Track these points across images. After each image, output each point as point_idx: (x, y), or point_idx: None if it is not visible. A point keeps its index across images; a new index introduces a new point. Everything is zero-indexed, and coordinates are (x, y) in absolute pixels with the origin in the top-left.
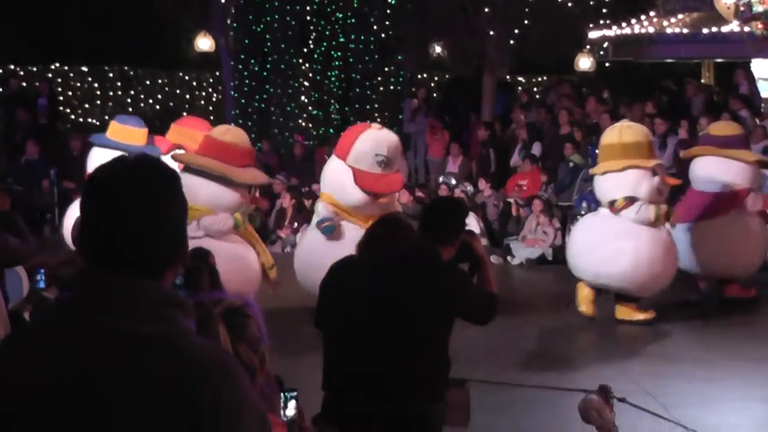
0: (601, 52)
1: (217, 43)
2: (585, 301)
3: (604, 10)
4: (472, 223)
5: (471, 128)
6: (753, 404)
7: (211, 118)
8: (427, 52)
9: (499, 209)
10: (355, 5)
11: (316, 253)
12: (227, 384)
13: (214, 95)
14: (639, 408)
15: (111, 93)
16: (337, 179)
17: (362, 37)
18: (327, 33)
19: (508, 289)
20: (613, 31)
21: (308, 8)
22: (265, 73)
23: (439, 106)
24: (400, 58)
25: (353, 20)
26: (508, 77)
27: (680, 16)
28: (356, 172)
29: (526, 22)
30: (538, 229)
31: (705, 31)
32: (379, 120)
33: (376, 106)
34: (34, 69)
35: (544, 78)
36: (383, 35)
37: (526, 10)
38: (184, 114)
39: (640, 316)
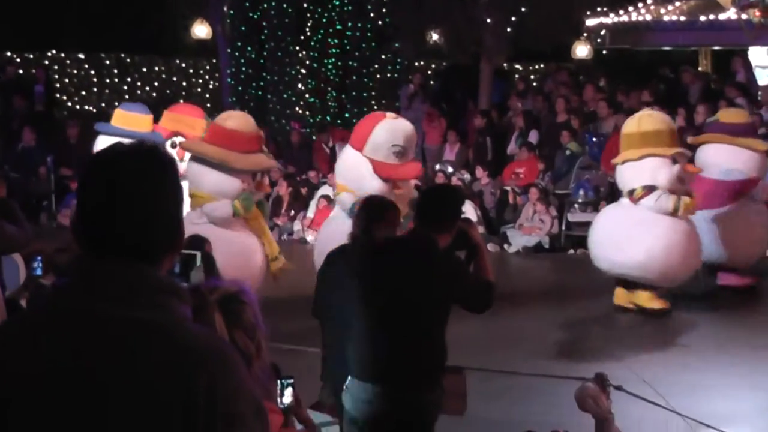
0: (598, 40)
1: (214, 30)
2: (623, 298)
3: None
4: (469, 210)
5: (468, 116)
6: (750, 392)
7: (208, 105)
8: (424, 40)
9: (496, 197)
10: None
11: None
12: (223, 371)
13: (211, 82)
14: (635, 396)
15: (108, 80)
16: (354, 170)
17: (359, 25)
18: (324, 20)
19: (504, 277)
20: (611, 19)
21: None
22: (261, 61)
23: (436, 93)
24: (397, 45)
25: (350, 7)
26: (505, 65)
27: (677, 4)
28: (373, 163)
29: (523, 9)
30: (535, 217)
31: (702, 18)
32: (375, 107)
33: (373, 93)
34: (31, 56)
35: (541, 66)
36: (380, 22)
37: None
38: (181, 101)
39: (656, 305)
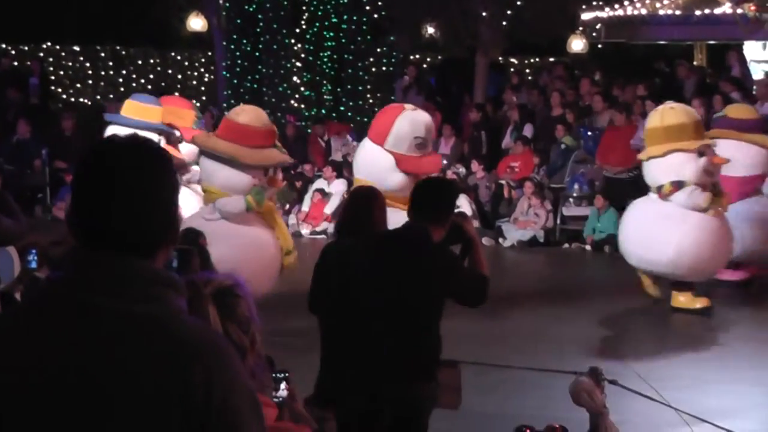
0: (594, 34)
1: (209, 22)
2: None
3: None
4: (464, 204)
5: (463, 110)
6: (745, 386)
7: (203, 98)
8: (420, 33)
9: (491, 191)
10: None
11: None
12: (219, 364)
13: (206, 75)
14: (630, 390)
15: (103, 72)
16: (375, 164)
17: (354, 18)
18: (319, 13)
19: (499, 271)
20: (606, 13)
21: None
22: (257, 54)
23: (431, 87)
24: (392, 38)
25: (345, 0)
26: (500, 58)
27: None
28: (397, 157)
29: (518, 2)
30: (529, 211)
31: (698, 12)
32: (370, 100)
33: (368, 87)
34: (26, 48)
35: (537, 59)
36: (376, 16)
37: None
38: (176, 94)
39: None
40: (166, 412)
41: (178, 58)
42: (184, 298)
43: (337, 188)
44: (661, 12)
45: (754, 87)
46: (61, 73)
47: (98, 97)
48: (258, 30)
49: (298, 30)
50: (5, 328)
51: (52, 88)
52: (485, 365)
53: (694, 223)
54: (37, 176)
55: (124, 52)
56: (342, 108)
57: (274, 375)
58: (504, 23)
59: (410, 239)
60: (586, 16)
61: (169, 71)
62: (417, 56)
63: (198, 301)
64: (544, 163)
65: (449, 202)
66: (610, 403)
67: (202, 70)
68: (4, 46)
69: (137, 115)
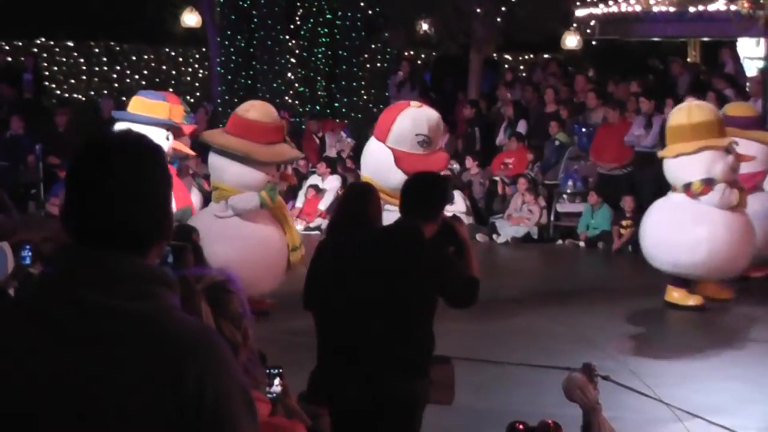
0: (588, 30)
1: (203, 18)
2: (684, 298)
3: None
4: (458, 201)
5: (457, 106)
6: (735, 383)
7: (197, 94)
8: (414, 30)
9: (485, 187)
10: None
11: None
12: (212, 360)
13: (200, 71)
14: (623, 386)
15: (97, 68)
16: (378, 161)
17: (349, 14)
18: (314, 9)
19: (493, 267)
20: (600, 9)
21: None
22: (251, 50)
23: (425, 83)
24: (386, 35)
25: None
26: (494, 55)
27: None
28: (397, 154)
29: None
30: (523, 208)
31: (691, 9)
32: (365, 97)
33: (362, 83)
34: (19, 43)
35: (531, 56)
36: (370, 12)
37: None
38: (170, 90)
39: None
40: (160, 408)
41: (173, 54)
42: (177, 295)
43: (331, 184)
44: (655, 9)
45: (748, 84)
46: (55, 68)
47: (92, 93)
48: (252, 26)
49: (292, 26)
50: None
51: (46, 83)
52: (478, 361)
53: (722, 223)
54: (31, 172)
55: (118, 48)
56: (336, 104)
57: (267, 371)
58: (498, 20)
59: (403, 236)
60: (580, 12)
61: (164, 67)
62: (411, 53)
63: (190, 297)
64: (538, 159)
65: (441, 197)
66: (603, 399)
67: (197, 66)
68: None
69: (144, 111)
